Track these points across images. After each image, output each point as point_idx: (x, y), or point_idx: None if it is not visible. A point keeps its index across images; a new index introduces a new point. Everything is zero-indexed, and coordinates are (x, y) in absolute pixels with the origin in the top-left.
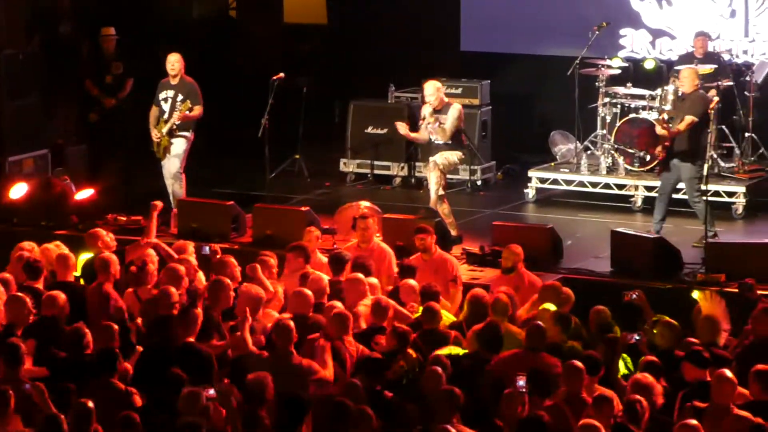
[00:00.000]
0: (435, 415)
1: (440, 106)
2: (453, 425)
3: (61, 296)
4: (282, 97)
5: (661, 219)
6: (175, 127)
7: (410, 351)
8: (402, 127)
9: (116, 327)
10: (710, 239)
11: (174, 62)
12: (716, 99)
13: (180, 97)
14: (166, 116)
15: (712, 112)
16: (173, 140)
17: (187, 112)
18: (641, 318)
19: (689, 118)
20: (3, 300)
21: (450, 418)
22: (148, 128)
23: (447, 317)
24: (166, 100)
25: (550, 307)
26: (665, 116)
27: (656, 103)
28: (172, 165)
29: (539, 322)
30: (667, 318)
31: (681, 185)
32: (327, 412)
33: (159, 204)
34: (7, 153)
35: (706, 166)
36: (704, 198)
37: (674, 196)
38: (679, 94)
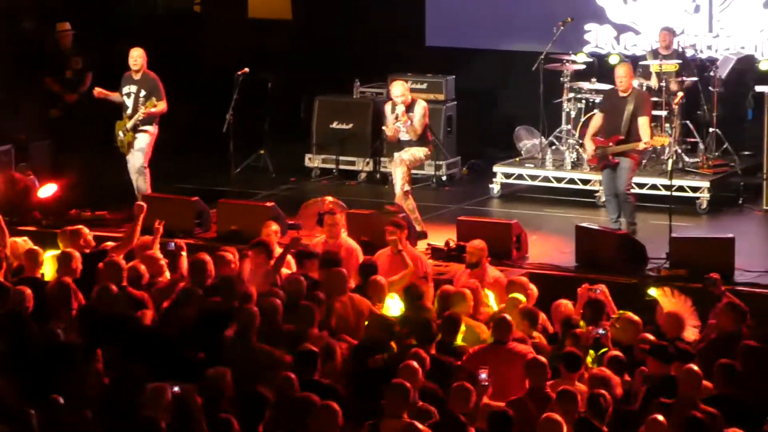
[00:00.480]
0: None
1: (407, 103)
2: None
3: (28, 291)
4: (247, 92)
5: (618, 216)
6: (138, 122)
7: (393, 344)
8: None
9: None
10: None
11: (137, 57)
12: (680, 94)
13: (143, 93)
14: (129, 111)
15: (677, 107)
16: (137, 135)
17: (152, 109)
18: (605, 313)
19: (647, 122)
20: None
21: (401, 413)
22: (111, 123)
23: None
24: (128, 95)
25: (521, 297)
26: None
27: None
28: (136, 160)
29: (506, 315)
30: (630, 314)
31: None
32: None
33: (144, 205)
34: None
35: (670, 162)
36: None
37: (638, 191)
38: (620, 95)
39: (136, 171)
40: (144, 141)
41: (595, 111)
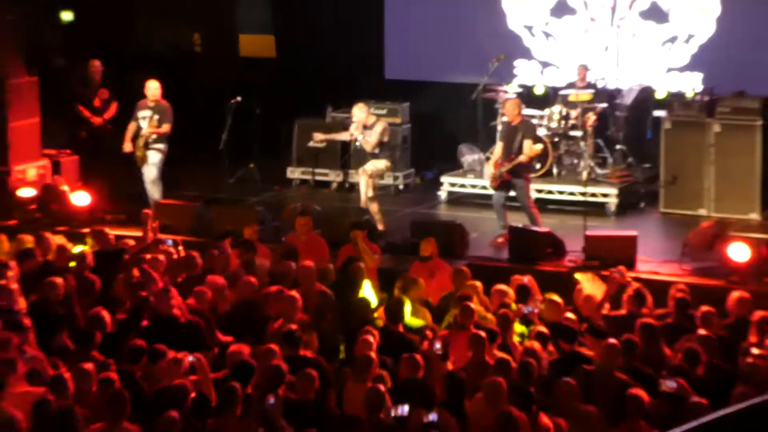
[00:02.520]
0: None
1: (369, 124)
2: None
3: (59, 281)
4: (239, 117)
5: (503, 223)
6: (150, 140)
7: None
8: (317, 136)
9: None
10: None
11: (154, 88)
12: (593, 118)
13: (156, 117)
14: (143, 131)
15: (590, 128)
16: (148, 152)
17: (157, 129)
18: (532, 296)
19: (535, 146)
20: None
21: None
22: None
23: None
24: (144, 118)
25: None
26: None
27: (544, 122)
28: (149, 173)
29: (470, 303)
30: (554, 296)
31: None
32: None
33: (149, 213)
34: (13, 163)
35: (585, 173)
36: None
37: (552, 197)
38: (511, 125)
39: (150, 182)
40: (156, 157)
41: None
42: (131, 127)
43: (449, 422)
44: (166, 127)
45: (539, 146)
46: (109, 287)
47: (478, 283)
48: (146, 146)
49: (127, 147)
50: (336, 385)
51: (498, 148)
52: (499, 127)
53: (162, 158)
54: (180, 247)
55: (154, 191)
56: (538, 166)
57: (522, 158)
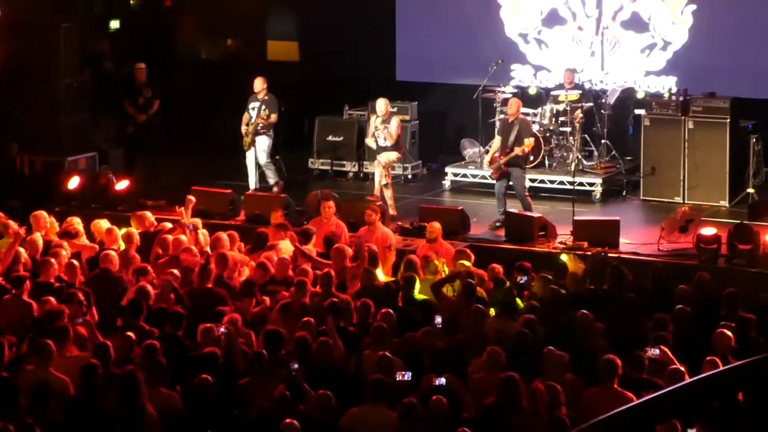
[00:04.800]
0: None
1: (386, 117)
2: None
3: (112, 254)
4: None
5: (503, 210)
6: (259, 128)
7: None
8: (369, 141)
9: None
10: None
11: (260, 83)
12: (581, 116)
13: (263, 108)
14: (253, 120)
15: (578, 125)
16: (257, 138)
17: (265, 119)
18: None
19: (531, 141)
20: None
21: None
22: (170, 136)
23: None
24: (254, 108)
25: (466, 262)
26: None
27: (537, 119)
28: (260, 158)
29: (471, 281)
30: (545, 273)
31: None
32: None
33: (193, 199)
34: (66, 154)
35: (573, 164)
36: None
37: (544, 185)
38: (509, 121)
39: (263, 165)
40: (264, 143)
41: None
42: (244, 117)
43: (457, 386)
44: (273, 117)
45: (531, 140)
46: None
47: (467, 263)
48: (255, 133)
49: (243, 130)
50: (356, 353)
51: (496, 141)
52: (498, 124)
53: (270, 143)
54: (199, 230)
55: (269, 171)
56: (531, 158)
57: (517, 151)
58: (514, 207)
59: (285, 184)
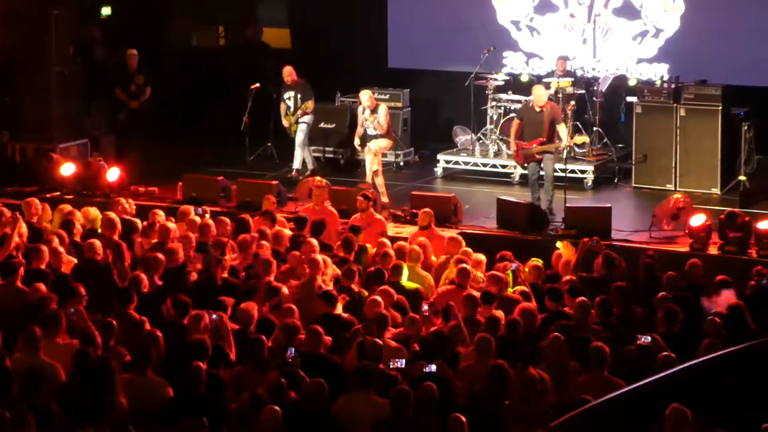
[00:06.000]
0: (372, 332)
1: (373, 107)
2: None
3: (97, 243)
4: (258, 101)
5: (538, 197)
6: (299, 116)
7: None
8: (356, 140)
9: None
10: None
11: (289, 72)
12: (573, 103)
13: (299, 95)
14: (292, 110)
15: (570, 112)
16: (299, 125)
17: (307, 110)
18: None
19: (564, 127)
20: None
21: (382, 335)
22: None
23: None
24: (289, 98)
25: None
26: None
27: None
28: (297, 138)
29: (465, 266)
30: (535, 261)
31: None
32: None
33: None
34: (57, 142)
35: (565, 152)
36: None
37: (541, 173)
38: (537, 109)
39: (299, 146)
40: (303, 127)
41: (512, 115)
42: (282, 108)
43: (447, 373)
44: (310, 104)
45: (585, 137)
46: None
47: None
48: (297, 121)
49: (285, 123)
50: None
51: (516, 125)
52: (490, 110)
53: (308, 128)
54: (207, 215)
55: (306, 153)
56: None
57: (563, 146)
58: (506, 194)
59: (276, 171)
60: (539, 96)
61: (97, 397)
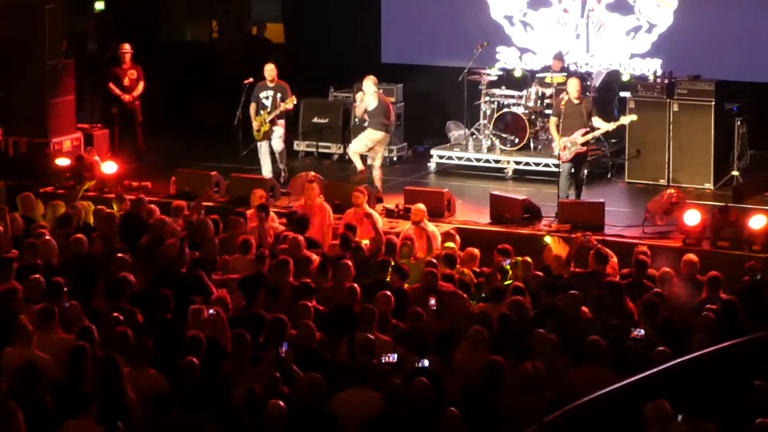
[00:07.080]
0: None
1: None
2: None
3: (84, 237)
4: (251, 95)
5: (567, 192)
6: (275, 117)
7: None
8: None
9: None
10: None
11: (270, 70)
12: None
13: (279, 96)
14: (269, 110)
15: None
16: (273, 128)
17: (287, 107)
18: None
19: (627, 117)
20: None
21: (371, 328)
22: (154, 117)
23: None
24: (267, 98)
25: (452, 245)
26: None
27: (522, 101)
28: (276, 145)
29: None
30: (527, 257)
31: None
32: None
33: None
34: (51, 136)
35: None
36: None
37: (529, 168)
38: (575, 101)
39: (277, 153)
40: (280, 131)
41: (505, 111)
42: (252, 108)
43: (440, 368)
44: (290, 104)
45: (633, 116)
46: (134, 246)
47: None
48: (271, 122)
49: (255, 123)
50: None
51: (554, 125)
52: (483, 105)
53: (284, 132)
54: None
55: (283, 158)
56: (516, 140)
57: (612, 126)
58: (498, 188)
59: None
60: (575, 88)
61: (106, 390)
